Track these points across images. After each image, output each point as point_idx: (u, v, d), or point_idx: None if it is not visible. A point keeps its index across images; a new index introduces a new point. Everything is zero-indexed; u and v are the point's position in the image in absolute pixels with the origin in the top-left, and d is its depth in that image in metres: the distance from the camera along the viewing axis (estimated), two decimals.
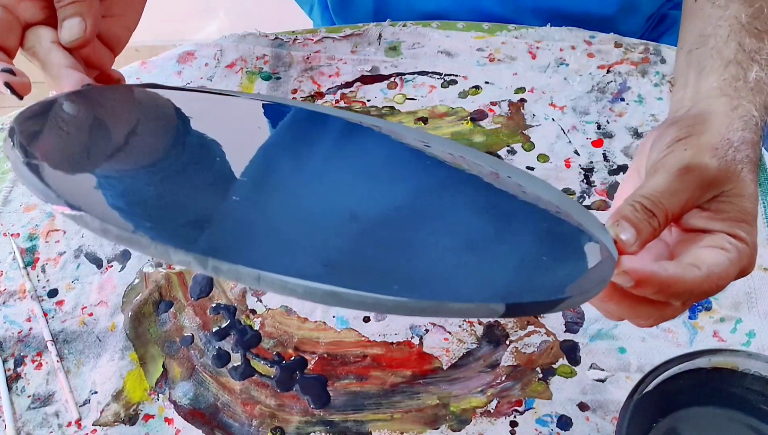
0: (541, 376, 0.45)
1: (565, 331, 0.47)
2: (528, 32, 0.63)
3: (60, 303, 0.49)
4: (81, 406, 0.45)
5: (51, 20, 0.40)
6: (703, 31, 0.39)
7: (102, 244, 0.52)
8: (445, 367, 0.46)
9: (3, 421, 0.44)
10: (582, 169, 0.55)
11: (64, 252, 0.52)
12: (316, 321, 0.48)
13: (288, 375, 0.46)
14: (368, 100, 0.60)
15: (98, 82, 0.43)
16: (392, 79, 0.61)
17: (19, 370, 0.46)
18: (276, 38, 0.64)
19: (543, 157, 0.55)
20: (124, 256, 0.52)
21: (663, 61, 0.60)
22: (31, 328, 0.48)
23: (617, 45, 0.62)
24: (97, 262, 0.51)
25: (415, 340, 0.47)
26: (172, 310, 0.49)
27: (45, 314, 0.49)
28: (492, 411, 0.44)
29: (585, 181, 0.54)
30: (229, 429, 0.44)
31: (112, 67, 0.45)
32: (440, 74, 0.62)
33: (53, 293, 0.50)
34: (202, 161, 0.37)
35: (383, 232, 0.32)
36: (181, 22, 1.53)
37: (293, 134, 0.42)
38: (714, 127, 0.34)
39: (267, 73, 0.62)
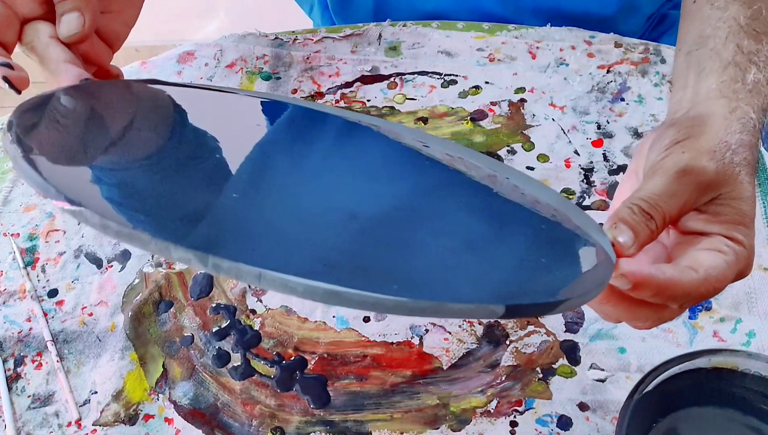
0: (541, 376, 0.45)
1: (565, 331, 0.47)
2: (528, 32, 0.63)
3: (60, 303, 0.49)
4: (81, 406, 0.45)
5: (49, 15, 0.40)
6: (702, 32, 0.39)
7: (102, 244, 0.52)
8: (445, 367, 0.46)
9: (3, 421, 0.44)
10: (582, 169, 0.55)
11: (64, 252, 0.52)
12: (316, 321, 0.48)
13: (288, 375, 0.46)
14: (368, 100, 0.60)
15: (97, 77, 0.43)
16: (392, 79, 0.61)
17: (19, 370, 0.46)
18: (276, 38, 0.64)
19: (543, 157, 0.55)
20: (124, 256, 0.52)
21: (663, 61, 0.60)
22: (31, 328, 0.48)
23: (617, 45, 0.62)
24: (97, 262, 0.51)
25: (415, 340, 0.47)
26: (172, 310, 0.49)
27: (45, 314, 0.49)
28: (492, 411, 0.44)
29: (585, 181, 0.54)
30: (229, 429, 0.44)
31: (111, 63, 0.45)
32: (440, 74, 0.62)
33: (53, 293, 0.50)
34: (202, 157, 0.37)
35: (382, 231, 0.32)
36: (181, 22, 1.53)
37: (293, 132, 0.42)
38: (712, 130, 0.34)
39: (267, 73, 0.62)
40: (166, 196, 0.32)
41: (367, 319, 0.48)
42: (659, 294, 0.30)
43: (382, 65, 0.62)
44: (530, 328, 0.47)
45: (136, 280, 0.50)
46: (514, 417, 0.43)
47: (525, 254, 0.32)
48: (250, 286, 0.50)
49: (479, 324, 0.47)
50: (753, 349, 0.45)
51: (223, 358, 0.46)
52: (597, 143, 0.56)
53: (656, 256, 0.34)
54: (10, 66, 0.38)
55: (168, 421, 0.44)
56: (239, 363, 0.46)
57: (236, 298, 0.49)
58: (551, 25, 0.63)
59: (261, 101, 0.46)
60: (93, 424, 0.44)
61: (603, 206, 0.52)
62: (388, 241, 0.31)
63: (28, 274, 0.51)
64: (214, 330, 0.48)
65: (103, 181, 0.31)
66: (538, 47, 0.62)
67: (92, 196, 0.30)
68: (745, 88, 0.36)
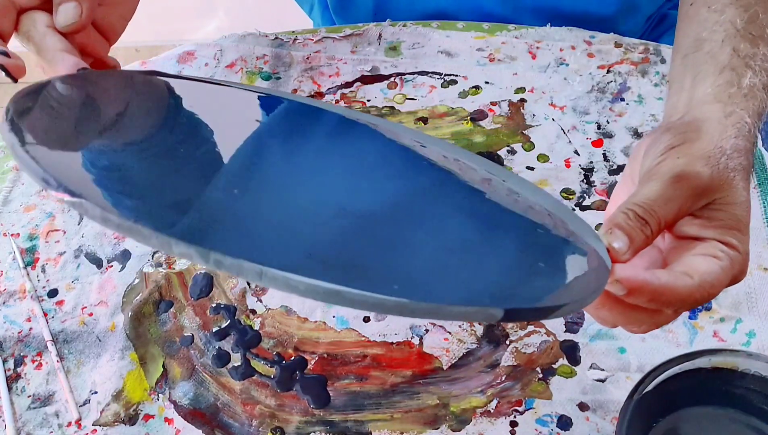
0: (541, 376, 0.45)
1: (565, 331, 0.47)
2: (528, 32, 0.63)
3: (60, 303, 0.49)
4: (81, 406, 0.45)
5: (46, 6, 0.40)
6: (698, 35, 0.39)
7: (102, 244, 0.52)
8: (445, 367, 0.46)
9: (3, 421, 0.44)
10: (582, 169, 0.55)
11: (64, 252, 0.52)
12: (316, 321, 0.48)
13: (288, 375, 0.46)
14: (368, 100, 0.60)
15: (94, 69, 0.43)
16: (392, 79, 0.61)
17: (19, 370, 0.46)
18: (276, 38, 0.64)
19: (543, 157, 0.55)
20: (124, 256, 0.52)
21: (663, 61, 0.60)
22: (31, 328, 0.48)
23: (617, 45, 0.62)
24: (97, 262, 0.51)
25: (415, 340, 0.47)
26: (172, 310, 0.49)
27: (45, 314, 0.49)
28: (492, 411, 0.44)
29: (585, 181, 0.54)
30: (229, 429, 0.44)
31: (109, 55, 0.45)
32: (440, 74, 0.62)
33: (53, 293, 0.50)
34: (202, 150, 0.37)
35: (378, 230, 0.32)
36: (181, 22, 1.53)
37: (292, 127, 0.42)
38: (707, 135, 0.34)
39: (267, 73, 0.62)
40: (165, 187, 0.32)
41: (367, 319, 0.48)
42: (654, 299, 0.30)
43: (382, 65, 0.62)
44: (530, 328, 0.47)
45: (136, 280, 0.50)
46: (514, 417, 0.43)
47: (522, 259, 0.32)
48: (250, 286, 0.50)
49: (479, 324, 0.47)
50: (753, 349, 0.45)
51: (223, 358, 0.46)
52: (597, 143, 0.56)
53: (651, 261, 0.34)
54: (6, 54, 0.38)
55: (168, 421, 0.44)
56: (239, 363, 0.46)
57: (236, 298, 0.49)
58: (551, 25, 0.63)
59: (260, 96, 0.45)
60: (93, 424, 0.44)
61: (603, 206, 0.52)
62: (386, 240, 0.31)
63: (28, 274, 0.51)
64: (214, 330, 0.48)
65: (102, 172, 0.31)
66: (538, 47, 0.62)
67: (93, 188, 0.29)
68: (741, 93, 0.36)
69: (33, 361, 0.46)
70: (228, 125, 0.40)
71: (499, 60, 0.62)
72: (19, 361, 0.46)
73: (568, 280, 0.30)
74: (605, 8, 0.64)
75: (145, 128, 0.38)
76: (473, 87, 0.60)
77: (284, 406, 0.44)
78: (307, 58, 0.63)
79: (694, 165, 0.33)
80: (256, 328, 0.48)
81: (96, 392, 0.45)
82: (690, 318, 0.46)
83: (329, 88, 0.61)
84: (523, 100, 0.59)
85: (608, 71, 0.60)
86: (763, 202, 0.51)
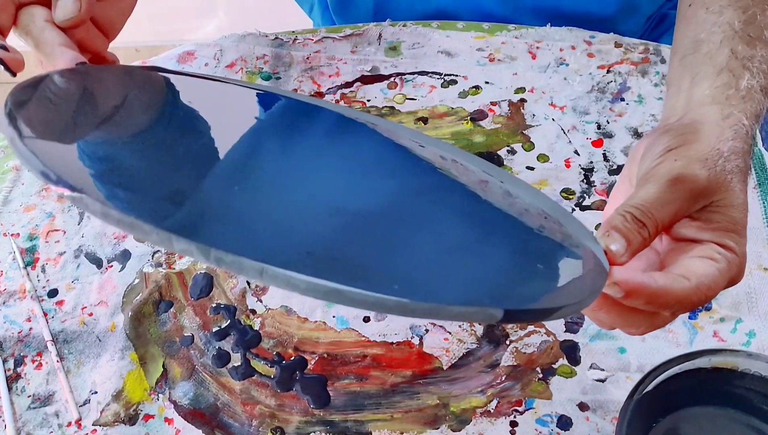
0: (541, 376, 0.45)
1: (565, 331, 0.47)
2: (528, 32, 0.63)
3: (60, 303, 0.49)
4: (81, 406, 0.45)
5: (45, 1, 0.40)
6: (696, 36, 0.39)
7: (102, 244, 0.52)
8: (445, 367, 0.46)
9: (3, 421, 0.44)
10: (582, 169, 0.55)
11: (64, 252, 0.52)
12: (316, 321, 0.48)
13: (288, 375, 0.46)
14: (368, 100, 0.60)
15: (92, 63, 0.43)
16: (392, 79, 0.61)
17: (19, 370, 0.46)
18: (276, 38, 0.64)
19: (543, 157, 0.55)
20: (124, 256, 0.52)
21: (663, 61, 0.60)
22: (31, 328, 0.48)
23: (617, 45, 0.62)
24: (97, 262, 0.51)
25: (415, 340, 0.47)
26: (172, 310, 0.49)
27: (45, 314, 0.49)
28: (492, 411, 0.44)
29: (585, 181, 0.54)
30: (229, 429, 0.44)
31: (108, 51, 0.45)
32: (440, 74, 0.62)
33: (53, 293, 0.50)
34: (202, 148, 0.37)
35: (379, 230, 0.32)
36: (181, 22, 1.53)
37: (291, 126, 0.42)
38: (704, 137, 0.34)
39: (267, 73, 0.62)
40: (165, 182, 0.32)
41: (367, 319, 0.48)
42: (651, 302, 0.30)
43: (382, 65, 0.62)
44: (530, 328, 0.47)
45: (136, 280, 0.50)
46: (514, 417, 0.43)
47: (522, 260, 0.32)
48: (249, 286, 0.50)
49: (479, 325, 0.47)
50: (753, 349, 0.45)
51: (223, 358, 0.46)
52: (597, 143, 0.56)
53: (649, 263, 0.34)
54: (5, 48, 0.38)
55: (168, 421, 0.44)
56: (239, 363, 0.46)
57: (236, 298, 0.49)
58: (551, 25, 0.63)
59: (260, 93, 0.45)
60: (93, 424, 0.44)
61: (603, 206, 0.52)
62: (384, 240, 0.31)
63: (28, 274, 0.51)
64: (214, 330, 0.48)
65: (102, 166, 0.31)
66: (538, 47, 0.62)
67: (93, 183, 0.29)
68: (738, 95, 0.36)
69: (33, 361, 0.46)
70: (228, 121, 0.40)
71: (499, 60, 0.62)
72: (19, 361, 0.46)
73: (566, 282, 0.30)
74: (605, 8, 0.64)
75: (145, 123, 0.37)
76: (473, 87, 0.60)
77: (284, 406, 0.44)
78: (307, 58, 0.63)
79: (692, 167, 0.33)
80: (256, 328, 0.48)
81: (96, 392, 0.45)
82: (690, 318, 0.46)
83: (329, 88, 0.61)
84: (523, 100, 0.59)
85: (608, 71, 0.60)
86: (763, 202, 0.51)
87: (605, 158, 0.55)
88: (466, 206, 0.37)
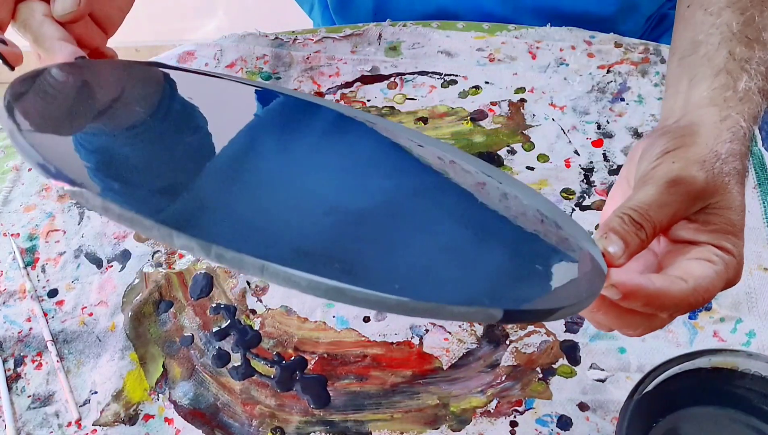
0: (541, 376, 0.45)
1: (565, 331, 0.47)
2: (528, 32, 0.63)
3: (60, 303, 0.49)
4: (81, 406, 0.45)
5: None
6: (695, 37, 0.39)
7: (102, 244, 0.52)
8: (445, 367, 0.46)
9: (3, 421, 0.44)
10: (582, 169, 0.55)
11: (64, 252, 0.52)
12: (316, 321, 0.48)
13: (288, 375, 0.46)
14: (368, 100, 0.60)
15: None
16: (392, 79, 0.61)
17: (19, 370, 0.46)
18: (276, 38, 0.64)
19: (543, 157, 0.55)
20: (124, 256, 0.52)
21: (663, 61, 0.60)
22: (31, 328, 0.48)
23: (617, 45, 0.62)
24: (97, 262, 0.51)
25: (415, 340, 0.47)
26: (172, 310, 0.49)
27: (45, 314, 0.49)
28: (492, 411, 0.44)
29: (585, 181, 0.54)
30: (229, 429, 0.44)
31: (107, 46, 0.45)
32: (440, 74, 0.62)
33: (53, 293, 0.50)
34: (201, 144, 0.37)
35: (378, 230, 0.32)
36: (181, 22, 1.53)
37: (290, 123, 0.42)
38: (702, 140, 0.34)
39: (267, 73, 0.62)
40: (165, 177, 0.31)
41: (367, 319, 0.48)
42: (649, 304, 0.30)
43: (382, 65, 0.62)
44: (530, 328, 0.47)
45: (136, 280, 0.50)
46: (514, 417, 0.43)
47: (521, 262, 0.32)
48: (249, 286, 0.50)
49: (480, 325, 0.47)
50: (753, 349, 0.45)
51: (223, 358, 0.46)
52: (597, 143, 0.56)
53: (647, 264, 0.34)
54: (3, 42, 0.38)
55: (168, 421, 0.44)
56: (239, 363, 0.46)
57: (236, 298, 0.49)
58: (551, 25, 0.63)
59: (260, 90, 0.45)
60: (93, 424, 0.44)
61: (603, 206, 0.52)
62: (383, 239, 0.31)
63: (28, 274, 0.51)
64: (214, 330, 0.48)
65: (101, 161, 0.31)
66: (538, 47, 0.62)
67: (93, 177, 0.29)
68: (736, 97, 0.36)
69: (33, 361, 0.46)
70: (228, 118, 0.40)
71: (499, 60, 0.62)
72: (19, 361, 0.46)
73: (565, 283, 0.30)
74: (605, 8, 0.64)
75: (144, 118, 0.37)
76: (473, 87, 0.60)
77: (284, 406, 0.44)
78: (307, 58, 0.63)
79: (690, 169, 0.33)
80: (256, 328, 0.48)
81: (96, 392, 0.45)
82: (690, 318, 0.46)
83: (329, 88, 0.61)
84: (523, 100, 0.59)
85: (608, 71, 0.60)
86: (763, 202, 0.51)
87: (605, 158, 0.55)
88: (464, 208, 0.37)
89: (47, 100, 0.34)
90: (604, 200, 0.53)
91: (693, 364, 0.36)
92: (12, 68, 0.38)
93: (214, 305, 0.49)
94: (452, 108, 0.59)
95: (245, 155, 0.36)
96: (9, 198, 0.55)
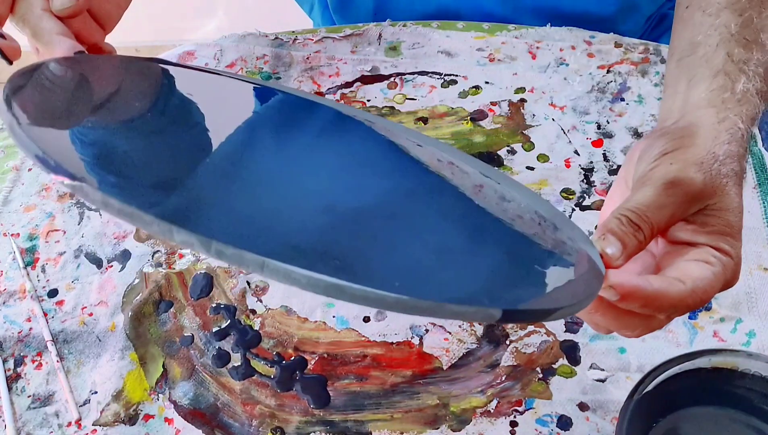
0: (541, 376, 0.45)
1: (565, 331, 0.47)
2: (528, 32, 0.63)
3: (60, 303, 0.49)
4: (81, 406, 0.45)
5: None
6: (693, 38, 0.39)
7: (102, 244, 0.52)
8: (445, 367, 0.46)
9: (3, 421, 0.44)
10: (582, 169, 0.55)
11: (64, 252, 0.52)
12: (316, 321, 0.48)
13: (288, 375, 0.46)
14: (368, 100, 0.60)
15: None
16: (392, 79, 0.61)
17: (19, 370, 0.46)
18: (276, 38, 0.64)
19: (543, 157, 0.55)
20: (124, 256, 0.52)
21: (663, 61, 0.60)
22: (31, 328, 0.48)
23: (617, 45, 0.62)
24: (97, 262, 0.51)
25: (415, 340, 0.47)
26: (172, 310, 0.49)
27: (45, 314, 0.49)
28: (492, 411, 0.44)
29: (585, 181, 0.54)
30: (229, 429, 0.44)
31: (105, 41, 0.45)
32: (440, 74, 0.62)
33: (53, 293, 0.50)
34: (200, 140, 0.37)
35: (377, 229, 0.32)
36: (181, 22, 1.53)
37: (289, 121, 0.42)
38: (700, 141, 0.34)
39: (267, 73, 0.62)
40: (165, 173, 0.31)
41: (367, 319, 0.48)
42: (647, 305, 0.30)
43: (382, 65, 0.62)
44: (530, 328, 0.47)
45: (136, 280, 0.50)
46: (514, 417, 0.43)
47: (520, 262, 0.32)
48: (249, 286, 0.50)
49: (480, 324, 0.47)
50: (753, 349, 0.45)
51: (223, 358, 0.46)
52: (597, 143, 0.56)
53: (645, 265, 0.35)
54: (2, 36, 0.38)
55: (168, 421, 0.44)
56: (239, 363, 0.46)
57: (236, 298, 0.49)
58: (551, 25, 0.63)
59: (259, 88, 0.45)
60: (93, 424, 0.44)
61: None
62: (382, 238, 0.31)
63: (28, 274, 0.51)
64: (214, 330, 0.48)
65: (101, 155, 0.31)
66: (538, 47, 0.62)
67: (93, 172, 0.29)
68: (734, 98, 0.36)
69: (33, 361, 0.46)
70: (227, 115, 0.40)
71: (499, 60, 0.62)
72: (19, 361, 0.46)
73: (563, 284, 0.30)
74: (605, 8, 0.64)
75: (145, 113, 0.37)
76: (473, 87, 0.60)
77: (284, 406, 0.44)
78: (307, 58, 0.63)
79: (687, 171, 0.33)
80: (256, 328, 0.48)
81: (96, 392, 0.45)
82: (690, 318, 0.46)
83: (329, 88, 0.61)
84: (523, 100, 0.59)
85: (608, 71, 0.60)
86: (763, 202, 0.51)
87: (605, 158, 0.55)
88: (463, 209, 0.37)
89: (46, 94, 0.34)
90: (604, 200, 0.53)
91: (693, 364, 0.36)
92: (10, 62, 0.38)
93: (214, 305, 0.49)
94: (452, 108, 0.59)
95: (244, 152, 0.36)
96: (9, 198, 0.55)
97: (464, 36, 0.63)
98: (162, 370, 0.46)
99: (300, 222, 0.31)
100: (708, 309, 0.47)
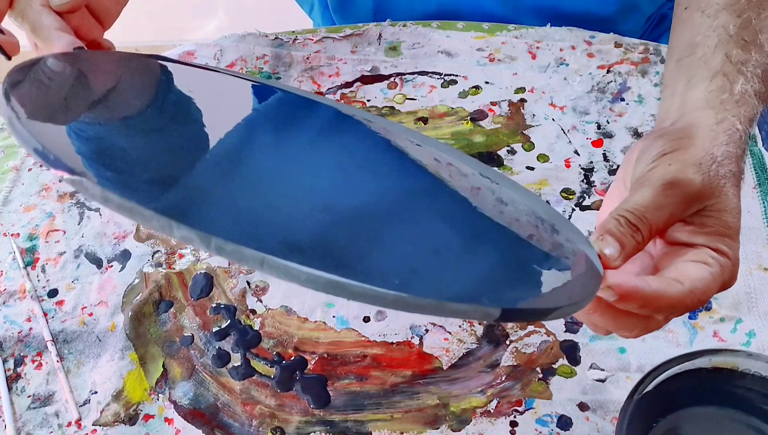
0: (541, 376, 0.45)
1: (565, 331, 0.47)
2: (528, 32, 0.63)
3: (60, 303, 0.49)
4: (81, 406, 0.45)
5: None
6: (692, 39, 0.39)
7: (102, 244, 0.52)
8: (445, 367, 0.46)
9: (3, 421, 0.44)
10: (582, 169, 0.55)
11: (64, 252, 0.52)
12: (316, 321, 0.48)
13: (288, 375, 0.46)
14: (368, 100, 0.60)
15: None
16: (392, 79, 0.61)
17: (19, 370, 0.46)
18: (276, 38, 0.64)
19: (543, 157, 0.55)
20: (124, 256, 0.52)
21: (663, 61, 0.60)
22: (31, 328, 0.48)
23: (617, 45, 0.62)
24: (97, 262, 0.51)
25: (415, 340, 0.47)
26: (172, 310, 0.49)
27: (45, 314, 0.49)
28: (492, 411, 0.44)
29: (585, 181, 0.54)
30: (229, 429, 0.44)
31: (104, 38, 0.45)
32: (440, 74, 0.62)
33: (53, 293, 0.50)
34: (200, 136, 0.37)
35: (376, 228, 0.32)
36: (181, 22, 1.53)
37: (288, 119, 0.42)
38: (698, 142, 0.34)
39: (267, 73, 0.62)
40: (164, 169, 0.31)
41: (367, 319, 0.48)
42: (645, 305, 0.30)
43: (382, 65, 0.62)
44: (530, 328, 0.47)
45: (136, 280, 0.50)
46: (514, 417, 0.43)
47: (518, 262, 0.33)
48: (249, 286, 0.50)
49: (480, 324, 0.47)
50: (753, 349, 0.45)
51: (223, 358, 0.46)
52: (597, 143, 0.56)
53: (643, 266, 0.35)
54: (1, 31, 0.38)
55: (168, 421, 0.44)
56: (239, 363, 0.46)
57: (236, 298, 0.49)
58: (551, 25, 0.63)
59: (258, 85, 0.45)
60: (93, 424, 0.44)
61: None
62: (381, 237, 0.31)
63: (28, 274, 0.51)
64: (214, 330, 0.48)
65: (101, 151, 0.31)
66: (538, 47, 0.62)
67: (93, 167, 0.28)
68: (733, 99, 0.36)
69: (33, 361, 0.46)
70: (226, 112, 0.40)
71: (499, 60, 0.62)
72: (19, 361, 0.46)
73: (561, 284, 0.30)
74: (605, 8, 0.64)
75: (145, 109, 0.37)
76: (473, 87, 0.60)
77: (284, 406, 0.44)
78: (307, 58, 0.63)
79: (686, 172, 0.33)
80: (256, 328, 0.48)
81: (96, 392, 0.45)
82: (690, 318, 0.46)
83: (329, 88, 0.61)
84: (523, 100, 0.59)
85: (608, 71, 0.60)
86: (763, 202, 0.51)
87: (605, 158, 0.55)
88: (463, 208, 0.37)
89: (45, 89, 0.34)
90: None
91: (693, 364, 0.36)
92: (9, 58, 0.38)
93: (214, 305, 0.49)
94: (452, 108, 0.59)
95: (245, 149, 0.36)
96: (9, 198, 0.55)
97: (464, 36, 0.63)
98: (162, 370, 0.46)
99: (299, 220, 0.31)
100: (708, 309, 0.47)
